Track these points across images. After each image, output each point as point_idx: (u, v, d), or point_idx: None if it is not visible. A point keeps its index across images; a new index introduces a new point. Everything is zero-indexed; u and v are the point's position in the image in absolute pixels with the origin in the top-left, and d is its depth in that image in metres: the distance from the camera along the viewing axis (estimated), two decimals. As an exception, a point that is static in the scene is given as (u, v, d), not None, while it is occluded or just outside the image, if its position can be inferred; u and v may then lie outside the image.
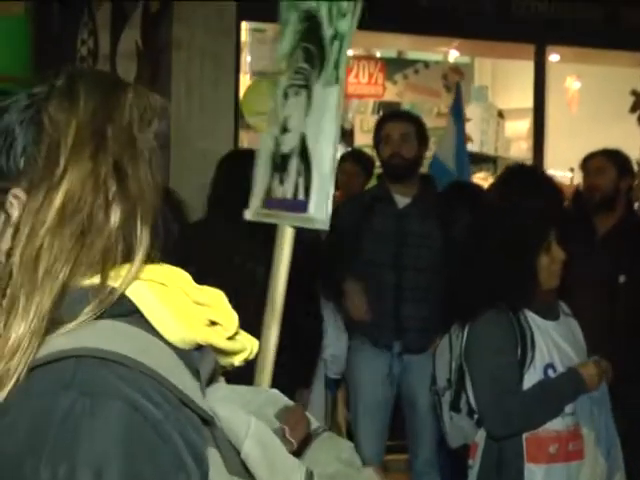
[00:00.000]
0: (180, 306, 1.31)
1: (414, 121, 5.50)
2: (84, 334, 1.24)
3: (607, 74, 10.59)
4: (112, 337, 1.25)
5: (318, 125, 2.48)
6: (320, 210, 2.43)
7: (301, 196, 2.55)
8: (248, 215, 3.02)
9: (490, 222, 3.89)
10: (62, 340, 1.23)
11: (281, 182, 2.71)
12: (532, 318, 3.70)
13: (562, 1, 8.31)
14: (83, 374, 1.19)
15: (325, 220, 2.41)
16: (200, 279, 1.38)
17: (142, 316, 1.29)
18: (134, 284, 1.30)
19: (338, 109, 2.43)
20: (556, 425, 3.66)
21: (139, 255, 1.31)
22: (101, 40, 8.54)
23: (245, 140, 8.76)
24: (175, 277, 1.35)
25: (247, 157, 5.22)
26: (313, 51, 2.60)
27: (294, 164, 2.61)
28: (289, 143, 2.68)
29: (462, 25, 8.46)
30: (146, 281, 1.31)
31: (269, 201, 2.81)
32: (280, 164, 2.73)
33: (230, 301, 1.41)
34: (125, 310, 1.28)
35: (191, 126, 7.81)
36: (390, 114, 6.41)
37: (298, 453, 1.39)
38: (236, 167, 4.85)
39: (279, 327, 2.63)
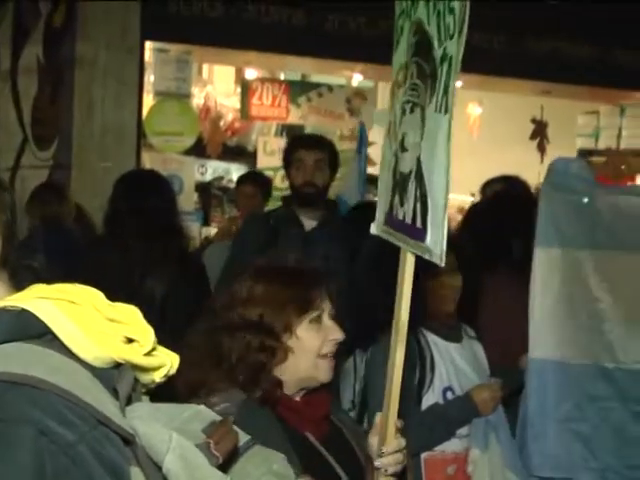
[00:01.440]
0: (93, 324, 1.29)
1: (327, 148, 5.43)
2: None
3: (509, 101, 10.79)
4: (23, 359, 1.22)
5: (432, 152, 2.32)
6: (436, 244, 2.27)
7: (419, 224, 2.40)
8: (374, 229, 2.85)
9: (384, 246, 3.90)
10: None
11: (402, 203, 2.55)
12: (433, 340, 3.71)
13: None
14: None
15: (441, 256, 2.24)
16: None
17: (55, 337, 1.26)
18: (43, 303, 1.27)
19: (449, 141, 2.27)
20: (454, 447, 3.67)
21: None
22: (1, 55, 8.41)
23: (147, 160, 8.69)
24: (86, 295, 1.32)
25: (145, 177, 5.19)
26: (426, 69, 2.43)
27: (412, 188, 2.44)
28: (407, 164, 2.51)
29: (366, 49, 8.53)
30: (55, 300, 1.28)
31: (391, 219, 2.65)
32: (401, 183, 2.57)
33: None
34: (35, 331, 1.26)
35: (93, 145, 7.72)
36: (304, 139, 6.34)
37: (225, 466, 1.38)
38: (133, 187, 4.81)
39: (404, 351, 2.55)
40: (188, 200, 8.65)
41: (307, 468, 2.32)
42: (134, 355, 1.32)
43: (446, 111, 2.24)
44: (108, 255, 4.60)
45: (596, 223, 3.70)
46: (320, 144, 5.46)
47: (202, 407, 1.45)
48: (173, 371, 1.42)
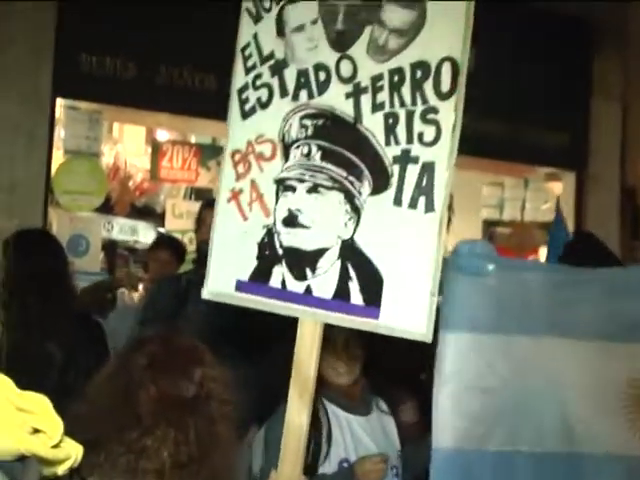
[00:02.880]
0: (2, 414, 1.26)
1: None
2: None
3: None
4: None
5: (393, 242, 2.40)
6: (413, 324, 2.39)
7: (358, 301, 2.42)
8: (207, 295, 2.83)
9: None
10: None
11: (298, 277, 2.56)
12: (333, 410, 3.69)
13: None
14: None
15: (427, 335, 2.42)
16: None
17: None
18: None
19: (440, 238, 2.35)
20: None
21: None
22: None
23: (54, 218, 8.58)
24: None
25: (36, 237, 5.08)
26: (352, 159, 2.47)
27: (334, 267, 2.47)
28: (310, 241, 2.53)
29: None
30: None
31: (259, 288, 2.67)
32: (287, 257, 2.59)
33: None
34: None
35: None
36: (211, 199, 6.37)
37: None
38: (23, 248, 4.74)
39: (309, 414, 2.57)
40: (94, 260, 8.54)
41: None
42: (41, 447, 1.29)
43: (429, 210, 2.32)
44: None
45: (503, 306, 3.68)
46: None
47: None
48: (77, 464, 1.39)
